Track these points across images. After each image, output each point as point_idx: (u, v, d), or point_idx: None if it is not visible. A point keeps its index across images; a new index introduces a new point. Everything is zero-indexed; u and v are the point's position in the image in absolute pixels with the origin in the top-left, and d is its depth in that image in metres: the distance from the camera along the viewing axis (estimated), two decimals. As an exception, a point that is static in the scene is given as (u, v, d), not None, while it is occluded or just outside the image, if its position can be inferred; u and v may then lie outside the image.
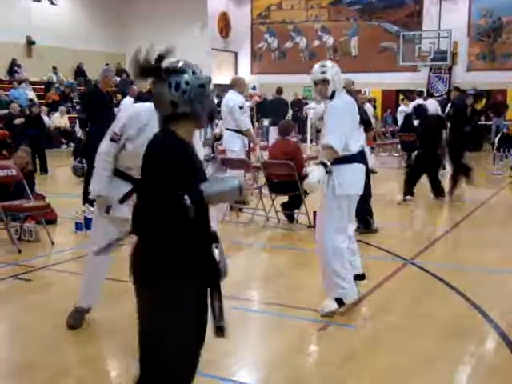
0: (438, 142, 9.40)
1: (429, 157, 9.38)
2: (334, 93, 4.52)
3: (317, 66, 4.61)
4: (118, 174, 4.10)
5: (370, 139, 9.14)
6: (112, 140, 3.98)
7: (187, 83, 2.35)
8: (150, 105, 4.03)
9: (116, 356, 3.94)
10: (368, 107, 12.46)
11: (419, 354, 3.90)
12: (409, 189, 9.51)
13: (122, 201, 4.08)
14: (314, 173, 4.28)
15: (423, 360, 3.83)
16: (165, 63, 2.35)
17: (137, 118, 3.92)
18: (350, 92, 7.24)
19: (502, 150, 14.70)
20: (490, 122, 19.28)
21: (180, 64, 2.38)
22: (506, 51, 20.22)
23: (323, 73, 4.51)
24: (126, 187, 4.08)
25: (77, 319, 4.29)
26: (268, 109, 17.52)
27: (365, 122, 7.43)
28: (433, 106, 14.34)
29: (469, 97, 10.71)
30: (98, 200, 4.10)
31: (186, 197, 2.24)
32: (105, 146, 4.02)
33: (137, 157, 4.01)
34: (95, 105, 8.22)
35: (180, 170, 2.30)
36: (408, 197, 9.46)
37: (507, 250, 6.73)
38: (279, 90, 17.54)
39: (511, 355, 3.86)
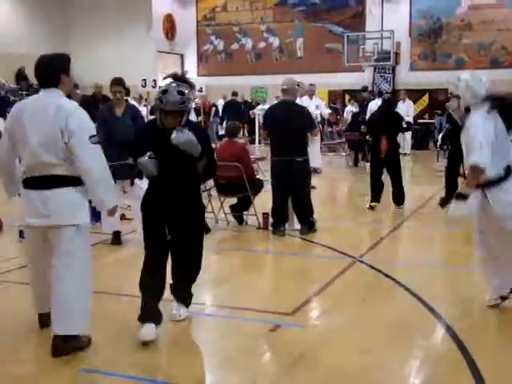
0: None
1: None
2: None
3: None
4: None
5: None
6: None
7: None
8: None
9: None
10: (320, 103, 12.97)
11: (368, 353, 3.94)
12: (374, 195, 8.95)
13: None
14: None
15: (372, 358, 3.88)
16: None
17: None
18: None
19: (445, 148, 15.01)
20: (433, 120, 19.70)
21: None
22: (446, 51, 20.75)
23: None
24: None
25: None
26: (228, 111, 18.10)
27: (310, 122, 7.54)
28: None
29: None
30: None
31: None
32: None
33: None
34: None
35: None
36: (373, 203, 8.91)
37: (451, 245, 6.90)
38: (235, 93, 18.36)
39: (456, 348, 3.95)
